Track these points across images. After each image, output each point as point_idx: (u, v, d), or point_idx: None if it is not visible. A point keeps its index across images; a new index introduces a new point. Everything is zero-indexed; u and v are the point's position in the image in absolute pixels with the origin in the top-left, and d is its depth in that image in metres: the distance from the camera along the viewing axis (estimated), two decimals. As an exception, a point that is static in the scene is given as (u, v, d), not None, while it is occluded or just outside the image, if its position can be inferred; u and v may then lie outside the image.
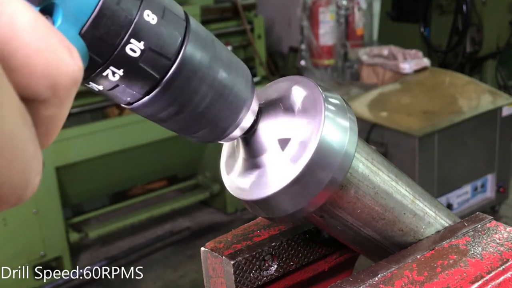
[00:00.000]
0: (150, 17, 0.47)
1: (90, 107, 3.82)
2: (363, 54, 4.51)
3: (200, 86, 0.52)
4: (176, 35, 0.49)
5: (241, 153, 0.62)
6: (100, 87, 0.49)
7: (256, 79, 4.83)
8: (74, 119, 3.73)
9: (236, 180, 0.62)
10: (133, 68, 0.48)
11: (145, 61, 0.48)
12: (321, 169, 0.56)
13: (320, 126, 0.56)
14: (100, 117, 4.01)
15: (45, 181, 3.51)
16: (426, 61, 4.30)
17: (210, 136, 0.56)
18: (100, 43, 0.45)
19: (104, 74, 0.48)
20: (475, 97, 3.92)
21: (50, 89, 0.35)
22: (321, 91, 0.59)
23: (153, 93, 0.50)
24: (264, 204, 0.59)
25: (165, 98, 0.51)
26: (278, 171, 0.58)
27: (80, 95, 3.80)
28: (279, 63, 5.67)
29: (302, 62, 5.34)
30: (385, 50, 4.40)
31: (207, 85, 0.52)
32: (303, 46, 5.30)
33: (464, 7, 4.70)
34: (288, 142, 0.58)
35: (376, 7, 5.67)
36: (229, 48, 4.43)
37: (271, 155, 0.59)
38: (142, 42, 0.47)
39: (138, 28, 0.46)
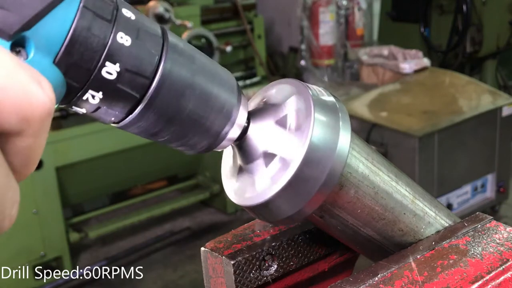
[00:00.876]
0: (123, 39, 0.47)
1: (90, 107, 3.82)
2: (363, 54, 4.51)
3: (183, 100, 0.52)
4: (152, 53, 0.50)
5: (238, 160, 0.62)
6: (83, 110, 0.50)
7: (256, 79, 4.83)
8: (74, 119, 3.73)
9: (234, 187, 0.62)
10: (111, 90, 0.48)
11: (122, 82, 0.48)
12: (314, 171, 0.56)
13: (309, 128, 0.56)
14: (100, 117, 4.01)
15: (45, 181, 3.51)
16: (426, 61, 4.30)
17: (202, 145, 0.57)
18: (76, 69, 0.46)
19: (84, 98, 0.48)
20: (475, 97, 3.92)
21: (22, 123, 0.36)
22: (310, 93, 0.59)
23: (136, 111, 0.51)
24: (261, 209, 0.59)
25: (149, 115, 0.51)
26: (271, 176, 0.58)
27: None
28: (279, 63, 5.67)
29: (302, 62, 5.34)
30: (385, 50, 4.40)
31: (190, 98, 0.52)
32: (303, 46, 5.30)
33: (464, 7, 4.70)
34: (279, 146, 0.58)
35: (376, 7, 5.67)
36: (229, 48, 4.46)
37: (263, 160, 0.59)
38: (117, 64, 0.47)
39: (112, 51, 0.47)
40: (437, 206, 0.72)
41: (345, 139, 0.58)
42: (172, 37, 0.53)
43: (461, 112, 3.66)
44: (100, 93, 0.48)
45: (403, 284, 0.59)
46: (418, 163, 3.35)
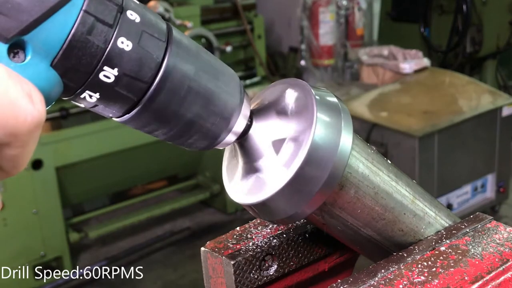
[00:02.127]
0: (124, 44, 0.47)
1: (90, 107, 3.82)
2: (363, 54, 4.51)
3: (185, 99, 0.52)
4: (153, 58, 0.49)
5: (239, 158, 0.62)
6: (82, 105, 0.51)
7: (256, 79, 4.83)
8: (74, 119, 3.73)
9: (235, 185, 0.62)
10: (108, 92, 0.48)
11: (120, 86, 0.48)
12: (315, 171, 0.56)
13: (312, 128, 0.56)
14: (100, 117, 4.01)
15: (45, 181, 3.51)
16: (426, 61, 4.30)
17: (203, 144, 0.56)
18: (73, 72, 0.46)
19: (82, 96, 0.49)
20: (475, 97, 3.92)
21: (9, 137, 0.37)
22: (313, 93, 0.58)
23: (133, 112, 0.51)
24: (262, 207, 0.59)
25: (147, 115, 0.51)
26: (273, 175, 0.58)
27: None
28: (279, 63, 5.67)
29: (302, 62, 5.34)
30: (385, 50, 4.40)
31: (192, 96, 0.52)
32: (303, 46, 5.30)
33: (464, 7, 4.70)
34: (281, 146, 0.58)
35: (376, 7, 5.67)
36: (229, 48, 4.46)
37: (265, 160, 0.59)
38: (116, 69, 0.47)
39: (111, 56, 0.47)
40: (437, 206, 0.72)
41: (347, 139, 0.58)
42: (177, 35, 0.52)
43: (461, 112, 3.66)
44: (97, 94, 0.48)
45: (403, 285, 0.59)
46: (418, 163, 3.35)
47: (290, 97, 0.60)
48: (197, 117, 0.53)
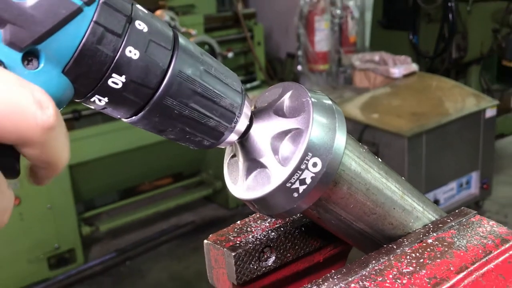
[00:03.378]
0: (132, 52, 0.47)
1: (101, 109, 3.82)
2: (356, 59, 4.51)
3: (189, 101, 0.52)
4: (159, 66, 0.49)
5: (239, 157, 0.62)
6: (92, 107, 0.51)
7: (256, 83, 4.84)
8: (86, 120, 3.73)
9: (236, 182, 0.62)
10: (116, 97, 0.48)
11: (127, 91, 0.48)
12: (312, 169, 0.56)
13: (308, 128, 0.56)
14: (110, 119, 4.01)
15: (59, 178, 3.51)
16: (414, 66, 4.29)
17: (207, 143, 0.56)
18: (83, 78, 0.46)
19: (92, 100, 0.49)
20: (460, 100, 3.92)
21: (24, 139, 0.39)
22: (310, 95, 0.58)
23: (139, 115, 0.51)
24: (261, 202, 0.59)
25: (153, 116, 0.51)
26: (272, 173, 0.58)
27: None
28: (277, 68, 5.67)
29: (299, 67, 5.34)
30: (376, 56, 4.40)
31: (197, 99, 0.52)
32: (299, 52, 5.30)
33: (450, 16, 4.70)
34: (279, 145, 0.58)
35: (368, 16, 5.67)
36: (231, 54, 4.46)
37: (264, 158, 0.59)
38: (123, 76, 0.47)
39: (119, 64, 0.46)
40: (425, 202, 0.72)
41: (341, 139, 0.58)
42: (183, 41, 0.52)
43: (447, 114, 3.65)
44: (106, 98, 0.48)
45: (392, 275, 0.59)
46: (407, 162, 3.34)
47: (288, 99, 0.60)
48: (201, 117, 0.53)
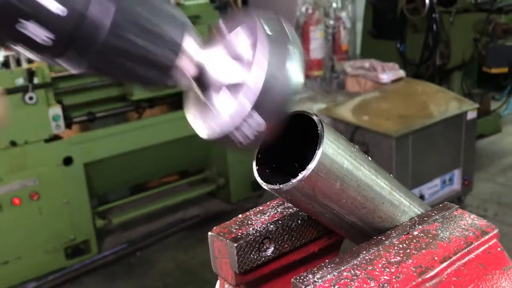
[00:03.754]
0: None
1: (113, 112, 3.82)
2: (348, 66, 4.51)
3: (131, 35, 0.49)
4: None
5: (201, 96, 0.58)
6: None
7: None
8: (99, 122, 3.73)
9: (201, 122, 0.58)
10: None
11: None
12: (272, 98, 0.54)
13: (264, 59, 0.53)
14: (121, 121, 4.01)
15: (74, 176, 3.51)
16: (401, 73, 4.29)
17: (157, 75, 0.53)
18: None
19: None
20: (443, 103, 3.92)
21: None
22: (262, 27, 0.55)
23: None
24: (225, 139, 0.55)
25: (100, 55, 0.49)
26: (234, 105, 0.54)
27: (103, 102, 3.80)
28: (275, 74, 5.65)
29: (295, 73, 5.33)
30: (366, 63, 4.39)
31: (138, 32, 0.50)
32: (296, 60, 5.29)
33: (434, 26, 4.70)
34: (236, 78, 0.54)
35: (359, 26, 5.67)
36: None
37: (230, 79, 0.56)
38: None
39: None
40: (411, 197, 0.72)
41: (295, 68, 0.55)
42: None
43: (432, 116, 3.65)
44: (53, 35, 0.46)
45: (382, 264, 0.59)
46: (395, 160, 3.34)
47: (239, 31, 0.57)
48: (143, 49, 0.50)
